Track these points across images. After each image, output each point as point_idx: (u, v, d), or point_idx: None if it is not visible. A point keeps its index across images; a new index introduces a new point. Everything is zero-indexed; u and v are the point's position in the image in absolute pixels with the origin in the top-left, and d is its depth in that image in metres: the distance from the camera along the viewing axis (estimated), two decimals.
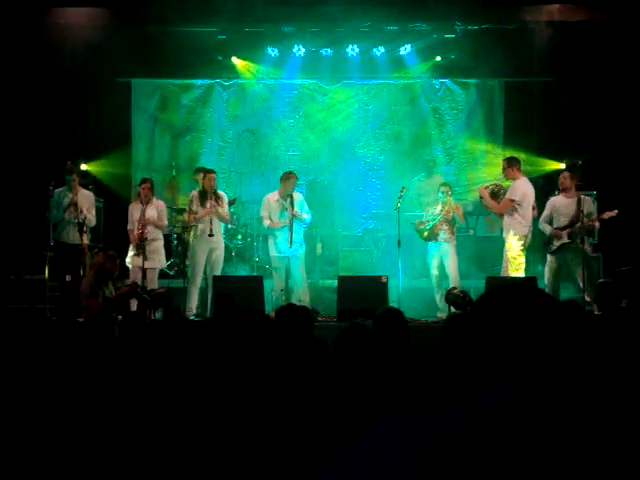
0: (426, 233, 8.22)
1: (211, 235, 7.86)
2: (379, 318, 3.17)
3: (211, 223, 7.89)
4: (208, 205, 7.97)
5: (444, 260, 8.15)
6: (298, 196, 8.30)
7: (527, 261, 8.76)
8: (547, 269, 7.88)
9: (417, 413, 1.17)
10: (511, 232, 7.84)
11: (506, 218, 7.91)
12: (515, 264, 7.79)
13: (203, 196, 8.06)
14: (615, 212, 7.50)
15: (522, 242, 7.77)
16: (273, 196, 8.24)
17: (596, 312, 5.87)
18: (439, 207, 8.21)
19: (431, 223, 8.20)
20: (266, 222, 8.22)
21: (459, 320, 3.18)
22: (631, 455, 1.15)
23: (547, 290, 7.68)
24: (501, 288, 1.28)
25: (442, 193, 8.19)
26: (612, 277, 7.95)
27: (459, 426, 1.13)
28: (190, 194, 8.45)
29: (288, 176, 8.16)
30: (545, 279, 7.90)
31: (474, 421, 1.13)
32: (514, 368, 1.19)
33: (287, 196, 8.08)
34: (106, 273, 6.58)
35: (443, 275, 8.16)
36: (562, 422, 1.14)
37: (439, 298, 8.05)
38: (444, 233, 8.14)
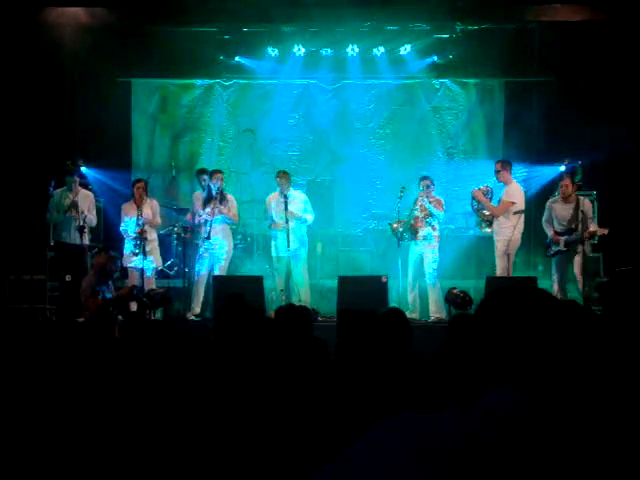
0: (406, 235, 8.02)
1: (207, 238, 7.85)
2: (381, 318, 3.17)
3: (210, 225, 7.88)
4: (211, 206, 7.95)
5: (424, 257, 7.98)
6: (301, 196, 8.28)
7: (527, 261, 8.79)
8: (554, 270, 7.90)
9: (418, 414, 1.17)
10: (497, 234, 7.89)
11: (497, 221, 7.93)
12: (501, 266, 7.81)
13: (207, 197, 8.04)
14: (606, 231, 7.51)
15: (505, 246, 7.77)
16: (274, 196, 8.24)
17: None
18: (416, 202, 8.07)
19: (406, 221, 8.04)
20: (267, 222, 8.23)
21: (463, 320, 3.18)
22: (633, 454, 1.15)
23: (555, 287, 7.72)
24: (505, 289, 1.28)
25: (421, 188, 8.06)
26: (612, 277, 7.98)
27: (460, 427, 1.12)
28: (194, 195, 8.46)
29: (280, 175, 8.17)
30: (553, 277, 7.91)
31: (475, 422, 1.13)
32: (516, 369, 1.19)
33: (282, 195, 8.07)
34: (107, 274, 6.59)
35: (420, 275, 8.02)
36: (565, 422, 1.14)
37: (412, 298, 7.96)
38: (422, 230, 7.98)
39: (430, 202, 7.97)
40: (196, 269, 8.10)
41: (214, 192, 7.99)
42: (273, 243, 8.21)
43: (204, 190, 8.28)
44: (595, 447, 1.13)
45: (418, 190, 8.13)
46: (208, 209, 7.94)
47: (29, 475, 2.43)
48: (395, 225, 8.13)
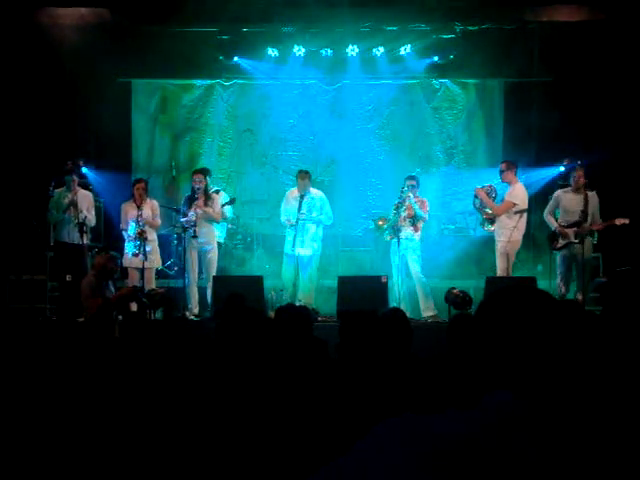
0: (389, 236, 7.99)
1: (194, 237, 7.87)
2: (382, 319, 3.17)
3: (196, 224, 7.89)
4: (193, 206, 7.97)
5: (407, 258, 7.94)
6: (320, 196, 8.26)
7: (527, 261, 8.75)
8: (560, 263, 7.84)
9: (419, 414, 1.17)
10: (498, 234, 7.87)
11: (498, 220, 7.92)
12: (501, 266, 7.80)
13: (189, 197, 8.08)
14: (627, 220, 7.45)
15: (505, 246, 7.75)
16: (292, 192, 8.27)
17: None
18: (403, 202, 8.02)
19: (390, 220, 8.01)
20: (282, 217, 8.25)
21: (463, 320, 3.18)
22: (632, 454, 1.15)
23: (560, 284, 7.67)
24: (505, 290, 1.28)
25: (407, 187, 8.03)
26: (612, 277, 7.96)
27: (460, 427, 1.12)
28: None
29: (297, 175, 8.20)
30: (558, 273, 7.85)
31: (475, 422, 1.13)
32: (517, 369, 1.19)
33: (299, 196, 8.09)
34: (107, 274, 6.59)
35: (405, 275, 7.96)
36: (565, 422, 1.14)
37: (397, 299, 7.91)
38: (405, 229, 7.94)
39: (415, 202, 7.98)
40: (186, 269, 8.12)
41: (196, 192, 8.00)
42: (286, 240, 8.22)
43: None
44: (594, 447, 1.13)
45: (406, 190, 8.12)
46: (191, 210, 7.96)
47: (29, 475, 2.43)
48: (380, 222, 8.14)
